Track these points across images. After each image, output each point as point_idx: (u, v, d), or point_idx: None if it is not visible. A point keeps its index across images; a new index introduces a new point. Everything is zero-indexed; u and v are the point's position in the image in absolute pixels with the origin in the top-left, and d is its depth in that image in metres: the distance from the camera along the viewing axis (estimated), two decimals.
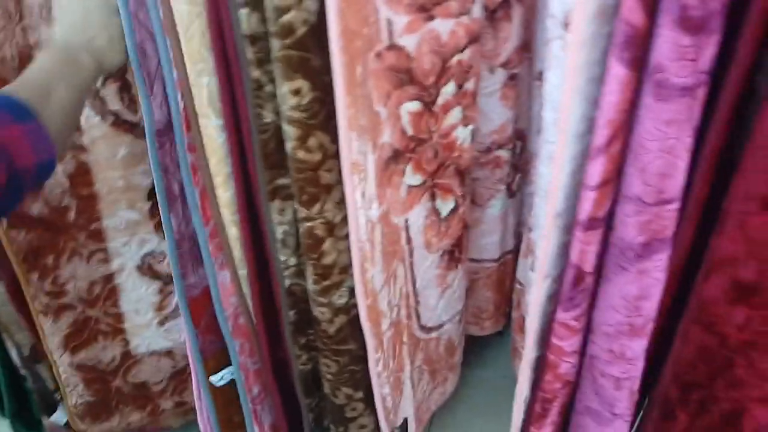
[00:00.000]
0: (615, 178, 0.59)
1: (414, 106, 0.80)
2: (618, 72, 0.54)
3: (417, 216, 0.87)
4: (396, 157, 0.81)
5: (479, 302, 1.14)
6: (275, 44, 0.64)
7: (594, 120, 0.62)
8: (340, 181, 0.74)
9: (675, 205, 0.54)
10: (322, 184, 0.72)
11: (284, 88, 0.65)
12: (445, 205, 0.91)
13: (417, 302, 0.93)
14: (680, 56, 0.49)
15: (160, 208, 0.85)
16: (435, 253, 0.93)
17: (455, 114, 0.85)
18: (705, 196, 0.56)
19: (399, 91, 0.77)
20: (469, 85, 0.85)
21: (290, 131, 0.67)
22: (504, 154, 1.01)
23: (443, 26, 0.78)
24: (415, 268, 0.91)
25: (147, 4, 0.71)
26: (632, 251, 0.56)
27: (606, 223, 0.59)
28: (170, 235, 0.87)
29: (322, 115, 0.67)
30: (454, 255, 0.96)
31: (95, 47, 0.69)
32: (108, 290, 1.06)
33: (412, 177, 0.84)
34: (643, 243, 0.55)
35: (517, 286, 1.06)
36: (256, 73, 0.68)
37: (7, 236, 0.95)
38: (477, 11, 0.80)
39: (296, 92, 0.65)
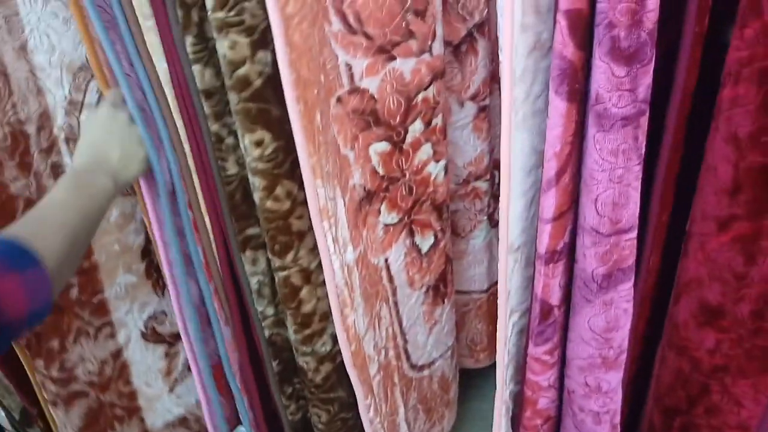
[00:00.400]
0: (570, 210, 0.59)
1: (383, 146, 0.80)
2: (558, 105, 0.54)
3: (397, 254, 0.87)
4: (369, 197, 0.81)
5: (472, 334, 1.13)
6: (233, 98, 0.65)
7: (541, 154, 0.62)
8: (311, 227, 0.74)
9: (632, 234, 0.53)
10: (294, 231, 0.72)
11: (246, 140, 0.65)
12: (425, 241, 0.91)
13: (405, 341, 0.93)
14: (616, 87, 0.49)
15: (173, 275, 0.81)
16: (419, 290, 0.93)
17: (425, 150, 0.86)
18: (667, 220, 0.55)
19: (366, 133, 0.78)
20: (437, 121, 0.85)
21: (257, 182, 0.68)
22: (482, 185, 1.01)
23: (405, 65, 0.79)
24: (400, 307, 0.90)
25: (135, 65, 0.72)
26: (594, 283, 0.56)
27: (568, 255, 0.59)
28: (189, 301, 0.82)
29: (287, 164, 0.68)
30: (439, 290, 0.96)
31: (112, 165, 0.68)
32: (119, 367, 1.00)
33: (387, 216, 0.84)
34: (604, 274, 0.55)
35: None
36: (214, 126, 0.69)
37: None
38: (438, 48, 0.81)
39: (258, 143, 0.65)
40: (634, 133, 0.50)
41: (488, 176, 1.01)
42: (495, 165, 1.04)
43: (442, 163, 0.88)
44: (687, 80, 0.49)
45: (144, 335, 1.02)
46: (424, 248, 0.91)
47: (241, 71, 0.64)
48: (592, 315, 0.57)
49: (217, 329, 0.86)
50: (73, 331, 0.94)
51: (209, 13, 0.59)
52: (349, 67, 0.74)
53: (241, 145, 0.68)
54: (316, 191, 0.67)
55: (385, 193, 0.83)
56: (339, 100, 0.73)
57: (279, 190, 0.68)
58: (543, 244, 0.57)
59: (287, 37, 0.60)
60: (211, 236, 0.81)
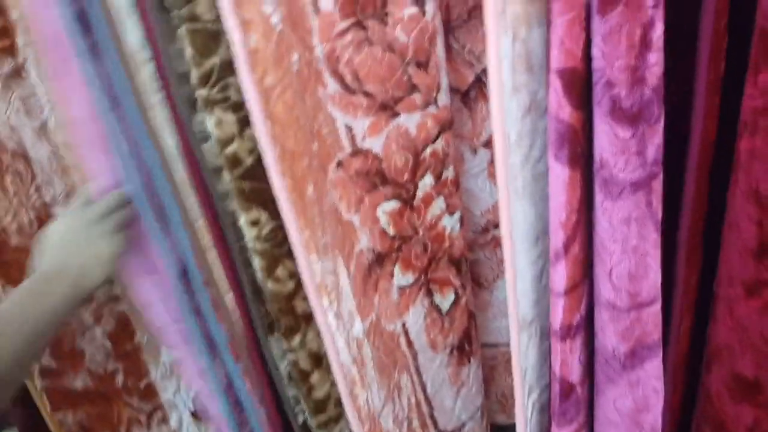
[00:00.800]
0: (584, 281, 0.54)
1: (392, 205, 0.77)
2: (559, 172, 0.49)
3: (415, 317, 0.82)
4: (380, 260, 0.77)
5: (502, 388, 1.07)
6: (226, 176, 0.63)
7: (548, 220, 0.57)
8: None
9: (655, 307, 0.47)
10: (299, 314, 0.68)
11: (242, 220, 0.63)
12: (445, 300, 0.86)
13: (431, 408, 0.87)
14: (622, 150, 0.45)
15: (199, 359, 0.77)
16: (443, 352, 0.87)
17: (438, 205, 0.81)
18: (696, 282, 0.49)
19: (373, 194, 0.75)
20: (448, 173, 0.81)
21: (256, 262, 0.65)
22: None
23: (410, 120, 0.75)
24: (422, 373, 0.85)
25: (141, 142, 0.71)
26: (617, 361, 0.50)
27: (587, 328, 0.53)
28: (218, 386, 0.78)
29: (287, 244, 0.65)
30: (464, 349, 0.90)
31: (70, 274, 0.65)
32: None
33: (402, 277, 0.80)
34: (627, 352, 0.49)
35: None
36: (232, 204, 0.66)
37: (53, 420, 0.86)
38: (444, 99, 0.78)
39: (255, 223, 0.63)
40: (646, 199, 0.45)
41: None
42: None
43: (457, 215, 0.84)
44: (705, 132, 0.44)
45: (194, 414, 0.94)
46: (445, 307, 0.86)
47: (230, 149, 0.61)
48: (617, 395, 0.51)
49: (251, 412, 0.82)
50: (125, 421, 0.89)
51: (195, 91, 0.58)
52: (350, 129, 0.71)
53: (240, 225, 0.66)
54: (311, 267, 0.64)
55: (398, 254, 0.79)
56: (340, 164, 0.70)
57: (280, 271, 0.65)
58: (557, 319, 0.52)
59: (267, 111, 0.57)
60: (237, 315, 0.78)
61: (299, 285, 0.66)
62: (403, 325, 0.81)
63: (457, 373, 0.90)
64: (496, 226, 0.96)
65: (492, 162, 0.91)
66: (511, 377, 1.07)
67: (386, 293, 0.78)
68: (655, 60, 0.41)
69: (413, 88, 0.75)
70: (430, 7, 0.72)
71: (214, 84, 0.58)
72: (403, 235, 0.79)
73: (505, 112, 0.51)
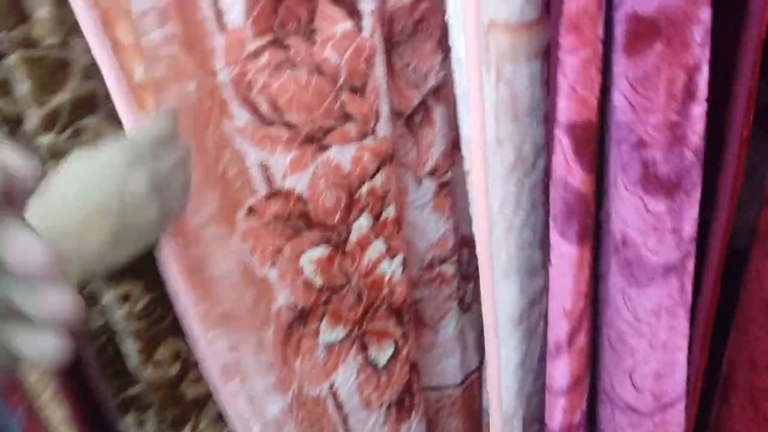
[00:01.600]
0: (586, 374, 0.44)
1: (320, 251, 0.65)
2: (566, 251, 0.40)
3: (346, 376, 0.72)
4: (303, 317, 0.66)
5: None
6: None
7: (532, 293, 0.48)
8: (211, 392, 0.58)
9: (681, 405, 0.39)
10: (189, 400, 0.57)
11: (109, 296, 0.50)
12: (383, 353, 0.76)
13: None
14: (654, 226, 0.35)
15: None
16: (378, 410, 0.77)
17: (377, 247, 0.70)
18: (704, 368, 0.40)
19: (295, 242, 0.63)
20: (389, 212, 0.70)
21: (130, 344, 0.53)
22: (449, 268, 0.86)
23: (342, 154, 0.64)
24: None
25: None
26: None
27: (588, 425, 0.44)
28: None
29: (169, 318, 0.53)
30: (404, 404, 0.80)
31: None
32: None
33: (330, 333, 0.69)
34: None
35: (486, 419, 0.89)
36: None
37: None
38: (384, 128, 0.66)
39: (125, 298, 0.50)
40: (679, 284, 0.36)
41: (455, 258, 0.86)
42: (462, 243, 0.88)
43: (399, 258, 0.73)
44: (732, 204, 0.34)
45: None
46: (382, 361, 0.76)
47: None
48: None
49: None
50: None
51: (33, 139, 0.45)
52: (265, 168, 0.59)
53: (103, 304, 0.53)
54: (212, 345, 0.52)
55: (326, 307, 0.68)
56: (252, 211, 0.58)
57: (161, 352, 0.54)
58: (555, 420, 0.43)
59: None
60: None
61: (186, 365, 0.54)
62: (331, 386, 0.70)
63: (396, 430, 0.80)
64: (443, 261, 0.86)
65: (438, 192, 0.80)
66: (457, 420, 0.98)
67: (310, 353, 0.67)
68: (699, 113, 0.31)
69: (346, 117, 0.63)
70: (368, 22, 0.60)
71: (64, 128, 0.45)
72: (333, 285, 0.67)
73: (488, 171, 0.41)
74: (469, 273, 0.91)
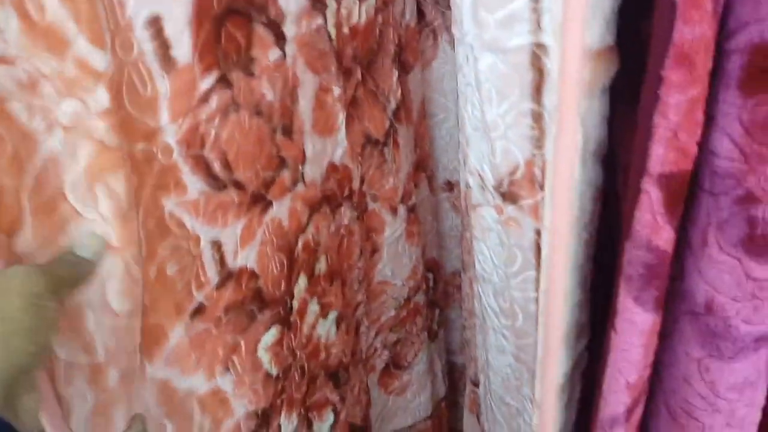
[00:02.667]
0: None
1: (272, 335, 0.52)
2: (636, 319, 0.37)
3: None
4: (266, 420, 0.52)
5: None
6: None
7: (577, 357, 0.45)
8: None
9: None
10: None
11: None
12: (324, 424, 0.65)
13: None
14: (753, 294, 0.34)
15: None
16: None
17: (312, 310, 0.60)
18: None
19: (251, 331, 0.49)
20: (320, 266, 0.60)
21: None
22: (421, 298, 0.79)
23: (281, 209, 0.52)
24: None
25: None
26: None
27: None
28: None
29: None
30: None
31: None
32: None
33: (288, 426, 0.57)
34: None
35: None
36: None
37: None
38: (310, 171, 0.55)
39: None
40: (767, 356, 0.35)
41: (424, 285, 0.79)
42: (428, 267, 0.82)
43: (333, 315, 0.63)
44: None
45: None
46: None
47: None
48: None
49: None
50: None
51: None
52: (218, 246, 0.44)
53: None
54: None
55: (281, 398, 0.55)
56: (198, 311, 0.43)
57: None
58: None
59: None
60: None
61: None
62: None
63: None
64: (417, 291, 0.78)
65: (408, 218, 0.72)
66: None
67: None
68: None
69: (281, 163, 0.51)
70: (290, 48, 0.49)
71: None
72: (285, 368, 0.55)
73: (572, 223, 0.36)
74: (435, 299, 0.85)
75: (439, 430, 0.92)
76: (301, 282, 0.57)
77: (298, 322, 0.57)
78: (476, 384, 0.69)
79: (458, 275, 0.88)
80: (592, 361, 0.47)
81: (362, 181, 0.64)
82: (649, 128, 0.34)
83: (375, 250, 0.67)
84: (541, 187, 0.41)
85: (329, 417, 0.65)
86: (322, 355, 0.62)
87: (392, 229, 0.68)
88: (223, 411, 0.48)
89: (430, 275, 0.84)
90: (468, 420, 0.77)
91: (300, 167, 0.54)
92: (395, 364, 0.77)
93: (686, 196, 0.35)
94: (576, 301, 0.43)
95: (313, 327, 0.60)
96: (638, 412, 0.41)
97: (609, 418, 0.40)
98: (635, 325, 0.37)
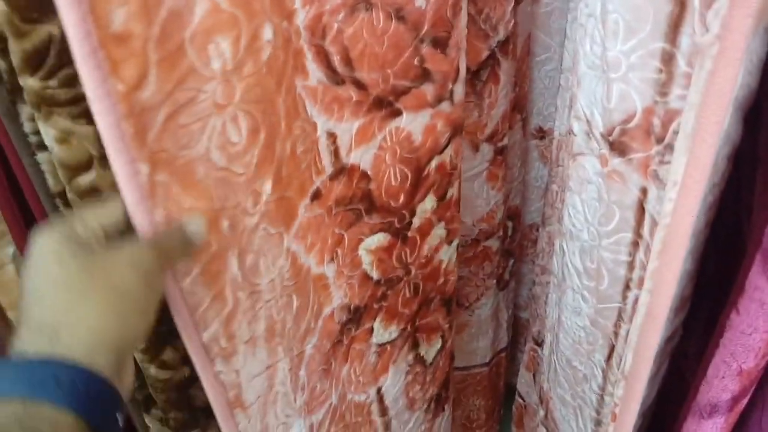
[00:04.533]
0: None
1: (378, 239, 0.54)
2: (763, 295, 0.30)
3: (396, 378, 0.62)
4: (357, 318, 0.55)
5: (468, 411, 0.91)
6: None
7: (672, 331, 0.39)
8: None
9: None
10: (198, 406, 0.47)
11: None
12: (432, 348, 0.66)
13: None
14: None
15: None
16: (420, 410, 0.68)
17: (437, 233, 0.60)
18: None
19: (355, 229, 0.52)
20: (453, 191, 0.59)
21: None
22: (494, 244, 0.77)
23: (415, 123, 0.52)
24: None
25: None
26: None
27: None
28: None
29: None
30: (441, 398, 0.72)
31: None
32: None
33: (383, 333, 0.59)
34: None
35: (519, 400, 0.82)
36: None
37: None
38: (460, 92, 0.54)
39: None
40: None
41: (501, 232, 0.77)
42: (509, 214, 0.79)
43: (455, 243, 0.63)
44: None
45: None
46: (430, 357, 0.66)
47: (85, 180, 0.36)
48: None
49: None
50: None
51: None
52: (333, 138, 0.47)
53: None
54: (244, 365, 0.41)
55: (381, 304, 0.57)
56: (317, 195, 0.46)
57: (168, 355, 0.43)
58: None
59: None
60: None
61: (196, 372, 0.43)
62: (378, 390, 0.60)
63: (431, 427, 0.72)
64: (489, 236, 0.76)
65: (494, 160, 0.70)
66: (480, 399, 0.92)
67: (360, 358, 0.57)
68: None
69: (425, 75, 0.50)
70: None
71: (51, 73, 0.32)
72: (390, 278, 0.57)
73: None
74: (511, 248, 0.83)
75: (495, 380, 0.88)
76: (428, 202, 0.57)
77: (418, 239, 0.58)
78: (538, 343, 0.64)
79: (535, 229, 0.81)
80: (684, 337, 0.41)
81: None
82: None
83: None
84: (658, 141, 0.35)
85: (437, 344, 0.66)
86: (441, 280, 0.63)
87: (470, 165, 0.64)
88: (325, 296, 0.52)
89: (510, 223, 0.77)
90: (523, 377, 0.72)
91: (450, 85, 0.53)
92: (457, 302, 0.74)
93: None
94: (686, 270, 0.37)
95: (436, 250, 0.61)
96: (743, 402, 0.35)
97: (709, 404, 0.35)
98: (765, 307, 0.31)
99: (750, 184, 0.35)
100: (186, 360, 0.45)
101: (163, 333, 0.47)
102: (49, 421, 0.27)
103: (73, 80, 0.35)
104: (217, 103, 0.36)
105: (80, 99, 0.36)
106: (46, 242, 0.31)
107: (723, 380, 0.35)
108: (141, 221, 0.34)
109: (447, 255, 0.62)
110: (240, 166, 0.38)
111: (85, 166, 0.37)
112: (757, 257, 0.31)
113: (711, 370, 0.35)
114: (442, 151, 0.55)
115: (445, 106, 0.53)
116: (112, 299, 0.30)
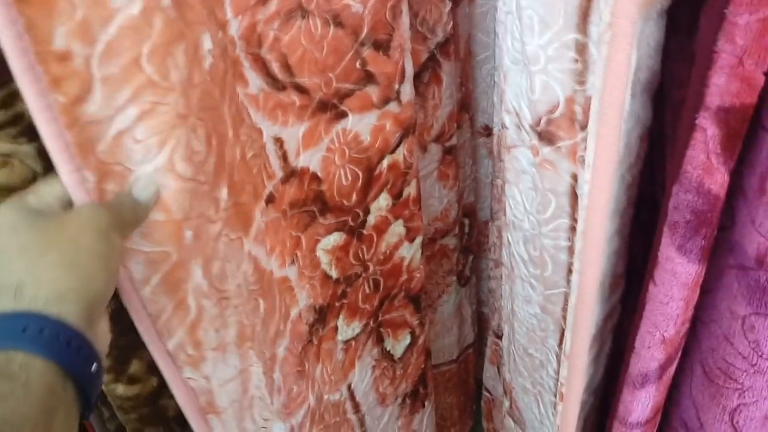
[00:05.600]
0: (663, 404, 0.38)
1: (334, 239, 0.56)
2: (681, 269, 0.32)
3: (362, 373, 0.63)
4: (322, 317, 0.56)
5: (441, 410, 0.92)
6: None
7: (610, 309, 0.40)
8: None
9: None
10: (171, 416, 0.48)
11: None
12: (399, 344, 0.68)
13: None
14: None
15: None
16: (393, 404, 0.70)
17: (395, 231, 0.61)
18: None
19: (310, 231, 0.53)
20: (410, 190, 0.61)
21: None
22: (450, 241, 0.78)
23: (361, 123, 0.53)
24: None
25: None
26: None
27: None
28: None
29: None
30: (418, 394, 0.73)
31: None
32: None
33: (346, 330, 0.60)
34: None
35: (486, 394, 0.83)
36: None
37: None
38: (408, 92, 0.56)
39: None
40: None
41: (456, 230, 0.78)
42: (465, 212, 0.81)
43: (419, 240, 0.64)
44: None
45: None
46: (398, 352, 0.68)
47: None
48: None
49: None
50: None
51: None
52: (280, 143, 0.48)
53: None
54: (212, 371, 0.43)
55: (342, 301, 0.58)
56: (270, 200, 0.48)
57: (135, 368, 0.44)
58: None
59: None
60: None
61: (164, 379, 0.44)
62: (349, 386, 0.62)
63: (409, 424, 0.73)
64: (445, 234, 0.78)
65: (443, 159, 0.71)
66: (452, 397, 0.93)
67: (329, 357, 0.58)
68: None
69: (368, 78, 0.52)
70: None
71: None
72: (348, 275, 0.58)
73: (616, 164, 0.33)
74: (469, 245, 0.84)
75: (465, 376, 0.89)
76: (382, 201, 0.58)
77: (375, 237, 0.59)
78: (498, 336, 0.66)
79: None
80: (624, 316, 0.43)
81: None
82: (709, 54, 0.29)
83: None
84: (581, 128, 0.36)
85: (405, 339, 0.68)
86: (404, 277, 0.64)
87: (420, 165, 0.66)
88: (291, 298, 0.53)
89: (467, 220, 0.79)
90: (488, 371, 0.74)
91: (396, 85, 0.54)
92: None
93: (745, 135, 0.30)
94: (614, 248, 0.39)
95: (396, 247, 0.62)
96: (671, 369, 0.37)
97: (640, 374, 0.37)
98: (677, 276, 0.33)
99: (662, 161, 0.36)
100: (153, 369, 0.46)
101: (127, 346, 0.48)
102: (21, 367, 0.27)
103: (10, 100, 0.36)
104: (179, 113, 0.36)
105: (19, 118, 0.37)
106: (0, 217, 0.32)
107: (650, 350, 0.36)
108: None
109: (409, 252, 0.63)
110: (203, 175, 0.39)
111: (30, 185, 0.38)
112: (664, 229, 0.32)
113: (638, 342, 0.37)
114: (393, 151, 0.57)
115: (392, 106, 0.55)
116: (71, 253, 0.31)
